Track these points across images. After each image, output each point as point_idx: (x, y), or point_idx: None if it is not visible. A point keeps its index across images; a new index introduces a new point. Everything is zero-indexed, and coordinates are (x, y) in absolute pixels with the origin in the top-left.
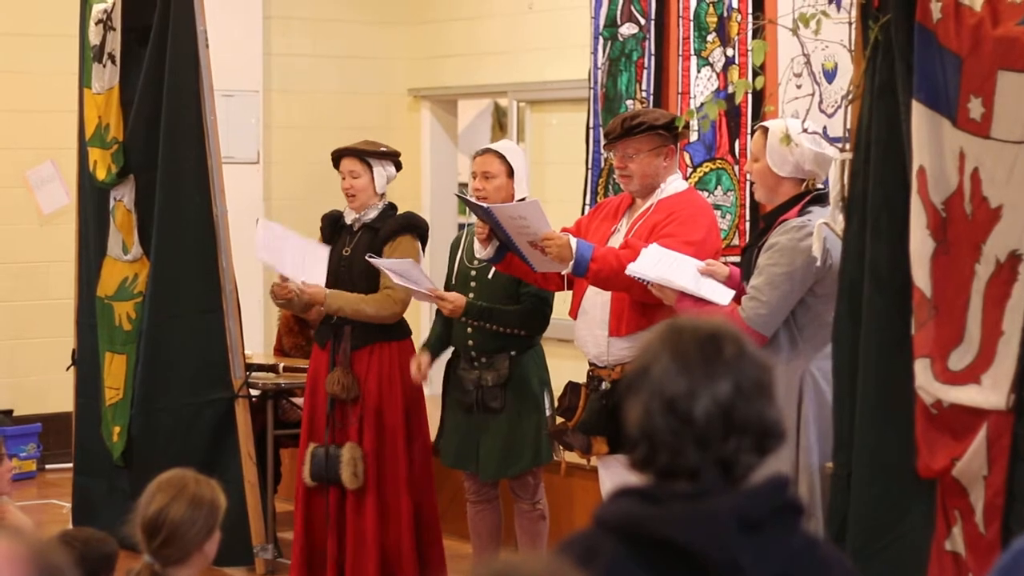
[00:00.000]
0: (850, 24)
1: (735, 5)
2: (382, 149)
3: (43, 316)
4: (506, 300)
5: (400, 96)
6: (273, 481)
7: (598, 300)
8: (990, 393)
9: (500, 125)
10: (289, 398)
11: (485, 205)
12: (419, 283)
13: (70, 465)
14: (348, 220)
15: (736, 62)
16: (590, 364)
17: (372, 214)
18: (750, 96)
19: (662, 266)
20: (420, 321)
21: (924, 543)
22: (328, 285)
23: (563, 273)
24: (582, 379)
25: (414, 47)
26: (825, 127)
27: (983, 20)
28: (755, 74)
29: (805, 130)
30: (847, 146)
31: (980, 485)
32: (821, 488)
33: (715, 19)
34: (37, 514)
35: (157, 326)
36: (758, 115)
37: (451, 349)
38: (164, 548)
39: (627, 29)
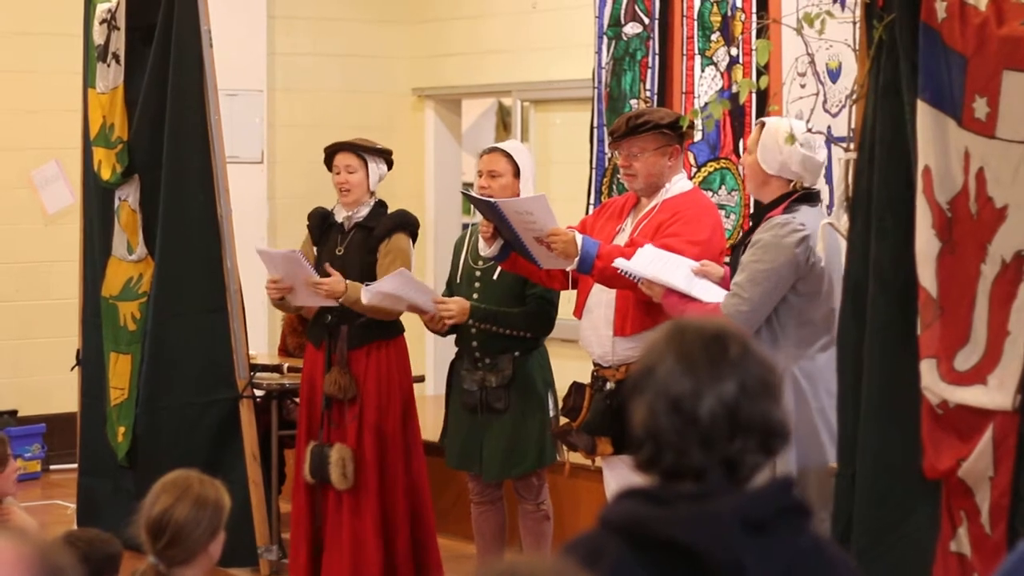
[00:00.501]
0: (854, 23)
1: (739, 4)
2: (377, 146)
3: (47, 316)
4: (511, 300)
5: (404, 95)
6: (277, 481)
7: (603, 300)
8: (996, 393)
9: (504, 124)
10: (293, 398)
11: (491, 199)
12: (418, 292)
13: (74, 466)
14: (339, 218)
15: (740, 61)
16: (594, 364)
17: (364, 212)
18: (754, 96)
19: (656, 266)
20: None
21: (929, 544)
22: None
23: (568, 270)
24: (586, 379)
25: (418, 46)
26: (829, 127)
27: (988, 20)
28: (759, 74)
29: (809, 130)
30: (851, 146)
31: (986, 486)
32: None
33: (719, 18)
34: (41, 515)
35: (162, 326)
36: (762, 115)
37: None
38: (169, 549)
39: (631, 28)
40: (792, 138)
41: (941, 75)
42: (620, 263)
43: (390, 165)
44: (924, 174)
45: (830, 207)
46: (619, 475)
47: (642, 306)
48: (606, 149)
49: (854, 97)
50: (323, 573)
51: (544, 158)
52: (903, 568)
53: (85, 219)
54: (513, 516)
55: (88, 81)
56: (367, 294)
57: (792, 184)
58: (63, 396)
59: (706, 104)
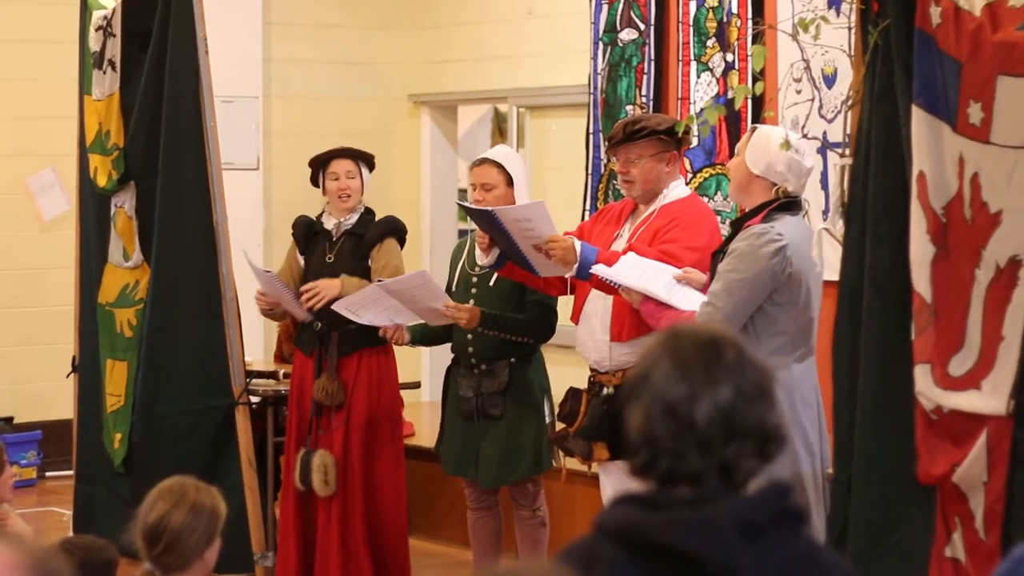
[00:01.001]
0: (850, 29)
1: (735, 10)
2: (365, 153)
3: (44, 323)
4: (507, 307)
5: (400, 101)
6: (273, 488)
7: (599, 305)
8: (990, 399)
9: (500, 130)
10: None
11: (489, 208)
12: (432, 294)
13: (70, 472)
14: (328, 226)
15: (736, 67)
16: (591, 370)
17: (353, 218)
18: (750, 101)
19: (637, 273)
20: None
21: (924, 549)
22: None
23: (567, 277)
24: (583, 385)
25: (414, 52)
26: (825, 132)
27: (982, 25)
28: (755, 79)
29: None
30: (847, 151)
31: (980, 491)
32: None
33: (715, 24)
34: (37, 521)
35: (158, 332)
36: (758, 120)
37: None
38: (165, 555)
39: (627, 34)
40: (787, 144)
41: (936, 80)
42: (600, 269)
43: (372, 168)
44: (919, 179)
45: (826, 212)
46: (615, 480)
47: (638, 313)
48: (602, 155)
49: (849, 103)
50: None
51: (540, 164)
52: (898, 573)
53: (81, 226)
54: (509, 522)
55: (84, 88)
56: (379, 289)
57: (776, 190)
58: (59, 403)
59: (702, 110)
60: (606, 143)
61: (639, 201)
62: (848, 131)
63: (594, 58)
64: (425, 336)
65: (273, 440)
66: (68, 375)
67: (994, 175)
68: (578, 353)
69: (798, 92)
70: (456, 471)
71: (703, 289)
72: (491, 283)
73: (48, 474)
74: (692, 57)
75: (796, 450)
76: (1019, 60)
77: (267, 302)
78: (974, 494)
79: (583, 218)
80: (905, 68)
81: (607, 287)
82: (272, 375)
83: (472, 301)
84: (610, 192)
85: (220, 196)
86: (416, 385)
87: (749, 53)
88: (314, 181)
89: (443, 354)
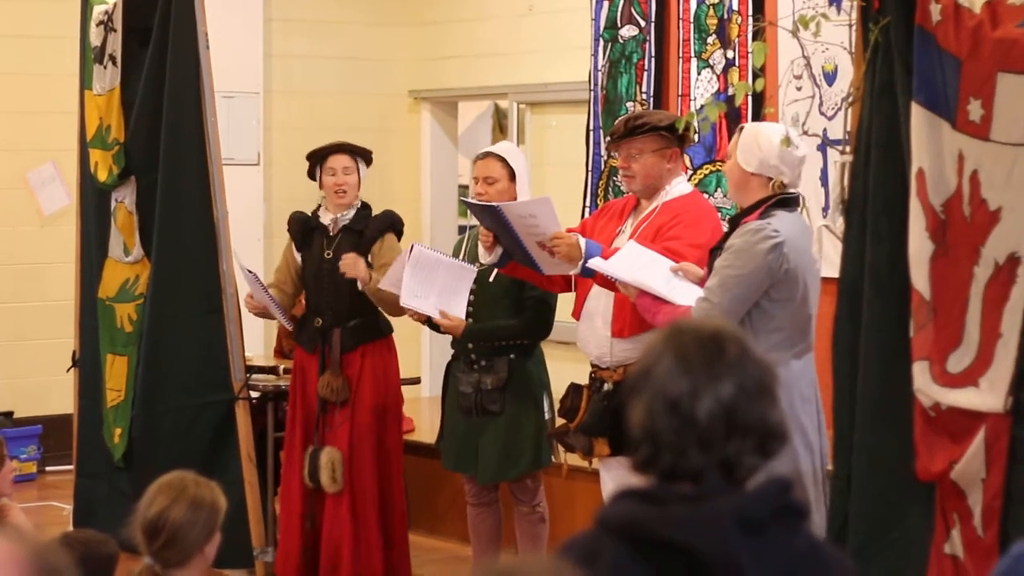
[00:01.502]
0: (850, 26)
1: (735, 7)
2: (362, 148)
3: (44, 317)
4: (508, 303)
5: (400, 97)
6: (273, 483)
7: (601, 302)
8: (988, 396)
9: (500, 127)
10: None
11: (495, 204)
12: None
13: (71, 467)
14: (325, 221)
15: (736, 64)
16: (592, 365)
17: (350, 214)
18: (750, 98)
19: (635, 265)
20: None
21: (923, 546)
22: (312, 289)
23: (572, 274)
24: (583, 381)
25: (414, 48)
26: (825, 129)
27: (983, 22)
28: (755, 76)
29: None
30: (847, 148)
31: (978, 488)
32: None
33: (715, 21)
34: (37, 516)
35: (158, 328)
36: (758, 117)
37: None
38: (165, 550)
39: (627, 31)
40: (788, 140)
41: (936, 77)
42: (597, 263)
43: (369, 164)
44: (918, 176)
45: (826, 209)
46: (616, 476)
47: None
48: (602, 152)
49: (850, 100)
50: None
51: (540, 160)
52: (897, 570)
53: (82, 220)
54: (509, 518)
55: (85, 83)
56: (415, 253)
57: (772, 184)
58: (59, 397)
59: (702, 107)
60: (607, 139)
61: (640, 196)
62: (848, 128)
63: (595, 54)
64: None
65: (273, 435)
66: (68, 370)
67: (993, 172)
68: (578, 349)
69: (798, 89)
70: (456, 467)
71: (700, 283)
72: (491, 279)
73: (48, 469)
74: (693, 54)
75: (795, 447)
76: (1019, 57)
77: (254, 306)
78: (972, 491)
79: (583, 214)
80: (905, 65)
81: (611, 284)
82: (272, 370)
83: (472, 297)
84: (610, 188)
85: (221, 191)
86: (416, 381)
87: (750, 50)
88: (311, 175)
89: (443, 349)
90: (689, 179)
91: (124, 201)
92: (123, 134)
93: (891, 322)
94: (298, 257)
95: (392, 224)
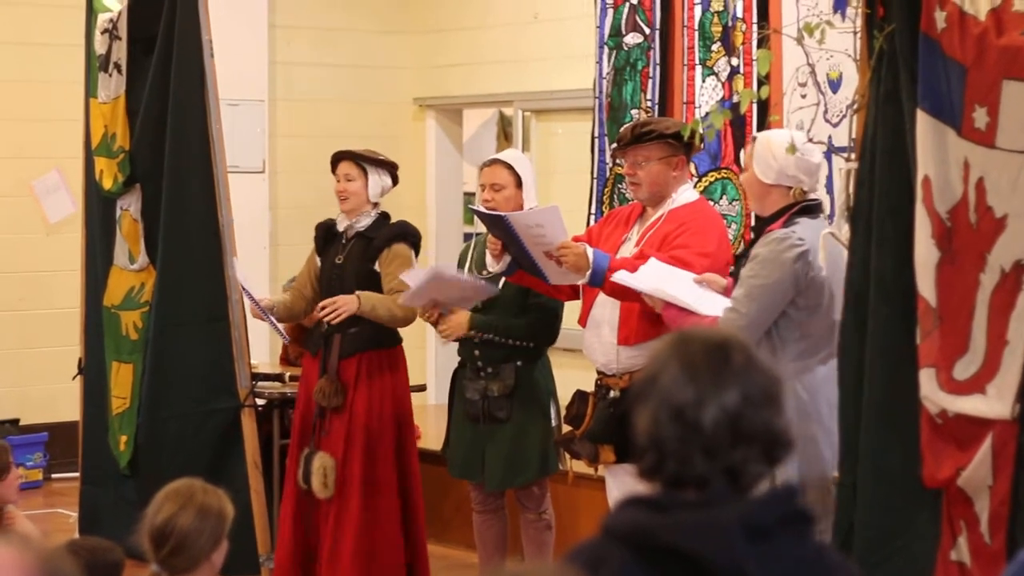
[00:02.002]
0: (855, 34)
1: (740, 15)
2: (380, 158)
3: (49, 325)
4: (515, 310)
5: (405, 105)
6: (279, 490)
7: (607, 309)
8: (995, 403)
9: (505, 134)
10: (295, 408)
11: (502, 214)
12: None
13: (76, 474)
14: (340, 227)
15: (741, 72)
16: (598, 372)
17: (365, 222)
18: (755, 106)
19: (660, 280)
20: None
21: (929, 553)
22: (323, 294)
23: (579, 283)
24: (589, 388)
25: (419, 56)
26: (830, 136)
27: (987, 30)
28: (760, 84)
29: (811, 139)
30: (852, 155)
31: (985, 495)
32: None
33: (720, 29)
34: (43, 523)
35: (163, 335)
36: (763, 125)
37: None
38: (172, 557)
39: (632, 39)
40: (793, 148)
41: (941, 85)
42: (623, 277)
43: (395, 180)
44: (924, 184)
45: (831, 217)
46: (622, 483)
47: (646, 316)
48: (607, 159)
49: (855, 107)
50: None
51: (545, 168)
52: None
53: (87, 228)
54: (515, 525)
55: (90, 91)
56: (408, 277)
57: (792, 193)
58: (65, 405)
59: (707, 114)
60: (613, 146)
61: (646, 204)
62: (853, 135)
63: (599, 62)
64: None
65: (278, 442)
66: (74, 377)
67: (999, 180)
68: (584, 356)
69: (803, 96)
70: (462, 474)
71: (724, 293)
72: (498, 286)
73: (54, 476)
74: (697, 61)
75: (821, 452)
76: None
77: (255, 311)
78: (979, 498)
79: (588, 222)
80: (910, 72)
81: (619, 293)
82: (278, 377)
83: (480, 304)
84: (615, 196)
85: (226, 199)
86: (422, 388)
87: (754, 57)
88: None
89: (449, 357)
90: (694, 186)
91: (129, 209)
92: (128, 142)
93: (896, 329)
94: (318, 262)
95: (403, 235)
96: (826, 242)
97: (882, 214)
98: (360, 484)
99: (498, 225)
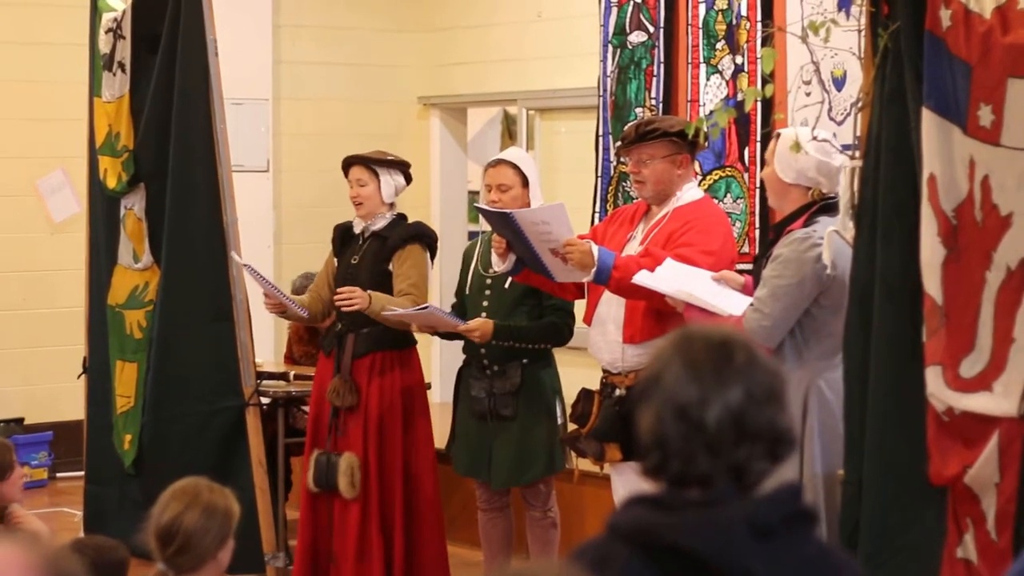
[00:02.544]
0: (859, 32)
1: (744, 13)
2: (390, 158)
3: (54, 324)
4: (522, 308)
5: (410, 104)
6: (284, 489)
7: (612, 308)
8: (1001, 400)
9: (509, 133)
10: (299, 406)
11: (507, 211)
12: (442, 323)
13: (81, 473)
14: (356, 229)
15: (745, 70)
16: (603, 371)
17: (380, 223)
18: (759, 104)
19: (679, 279)
20: None
21: (936, 550)
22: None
23: (584, 281)
24: (594, 386)
25: (424, 55)
26: (835, 135)
27: (993, 28)
28: (764, 82)
29: (815, 138)
30: (857, 154)
31: (992, 492)
32: (826, 497)
33: (724, 27)
34: (48, 522)
35: (168, 334)
36: (768, 123)
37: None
38: (178, 556)
39: (636, 37)
40: (797, 146)
41: (946, 83)
42: (644, 279)
43: (408, 178)
44: (929, 182)
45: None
46: (628, 481)
47: (651, 314)
48: (611, 157)
49: (859, 105)
50: None
51: (549, 166)
52: (909, 574)
53: (91, 228)
54: (520, 523)
55: (94, 90)
56: (388, 313)
57: (811, 192)
58: (70, 404)
59: (712, 112)
60: (618, 144)
61: (651, 202)
62: (858, 134)
63: (603, 60)
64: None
65: (283, 441)
66: (78, 376)
67: (1004, 177)
68: (589, 354)
69: (808, 95)
70: (468, 472)
71: (741, 290)
72: (505, 285)
73: (59, 475)
74: (701, 60)
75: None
76: None
77: (272, 304)
78: (986, 495)
79: (593, 220)
80: (915, 71)
81: (625, 291)
82: (282, 376)
83: (486, 303)
84: (620, 194)
85: (230, 198)
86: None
87: (759, 55)
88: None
89: (454, 356)
90: (698, 185)
91: (133, 208)
92: (132, 141)
93: (902, 327)
94: (336, 263)
95: (418, 235)
96: (832, 240)
97: (887, 212)
98: (376, 484)
99: (503, 223)
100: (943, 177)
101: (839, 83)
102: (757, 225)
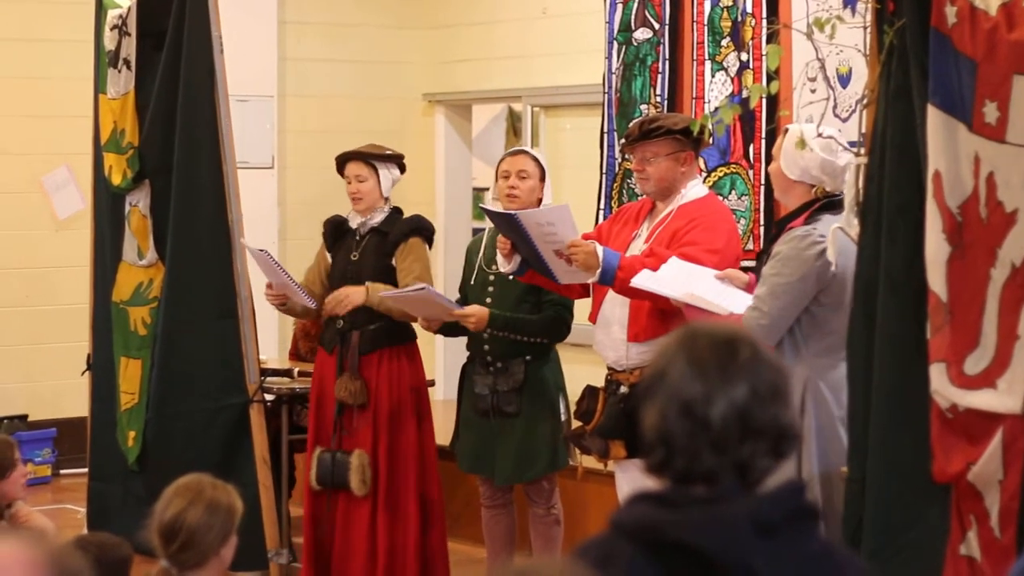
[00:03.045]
0: (865, 28)
1: (749, 10)
2: (387, 152)
3: (58, 321)
4: (524, 305)
5: (415, 100)
6: (287, 486)
7: (617, 307)
8: (1006, 397)
9: (514, 130)
10: (304, 403)
11: (512, 212)
12: (438, 306)
13: (85, 470)
14: (354, 224)
15: (751, 67)
16: (608, 368)
17: (378, 217)
18: (764, 101)
19: (681, 279)
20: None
21: (939, 548)
22: (335, 289)
23: (589, 282)
24: (598, 384)
25: (429, 51)
26: (840, 131)
27: (998, 24)
28: (770, 79)
29: (820, 135)
30: (862, 150)
31: (995, 489)
32: (823, 496)
33: (729, 24)
34: (52, 519)
35: (172, 331)
36: (773, 120)
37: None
38: (181, 553)
39: (641, 34)
40: (803, 143)
41: (951, 80)
42: (645, 283)
43: (402, 169)
44: (934, 178)
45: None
46: (632, 479)
47: (656, 313)
48: (616, 154)
49: (864, 102)
50: None
51: (554, 163)
52: (913, 572)
53: (96, 224)
54: (523, 520)
55: (99, 86)
56: (385, 294)
57: (814, 190)
58: (73, 401)
59: (717, 109)
60: (622, 141)
61: (655, 199)
62: (863, 130)
63: (608, 57)
64: (449, 327)
65: (287, 437)
66: (82, 373)
67: (1009, 174)
68: (593, 352)
69: (813, 91)
70: (472, 469)
71: (746, 288)
72: (508, 280)
73: (63, 472)
74: (707, 56)
75: (845, 447)
76: None
77: (275, 295)
78: (989, 492)
79: (598, 217)
80: (920, 67)
81: (630, 292)
82: (287, 373)
83: (489, 299)
84: (624, 191)
85: (235, 195)
86: (430, 383)
87: (764, 52)
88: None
89: (457, 352)
90: (703, 181)
91: (138, 205)
92: (137, 138)
93: (906, 324)
94: (329, 258)
95: (418, 228)
96: (836, 237)
97: (892, 209)
98: (386, 481)
99: (508, 224)
100: (948, 174)
101: (844, 80)
102: (761, 222)
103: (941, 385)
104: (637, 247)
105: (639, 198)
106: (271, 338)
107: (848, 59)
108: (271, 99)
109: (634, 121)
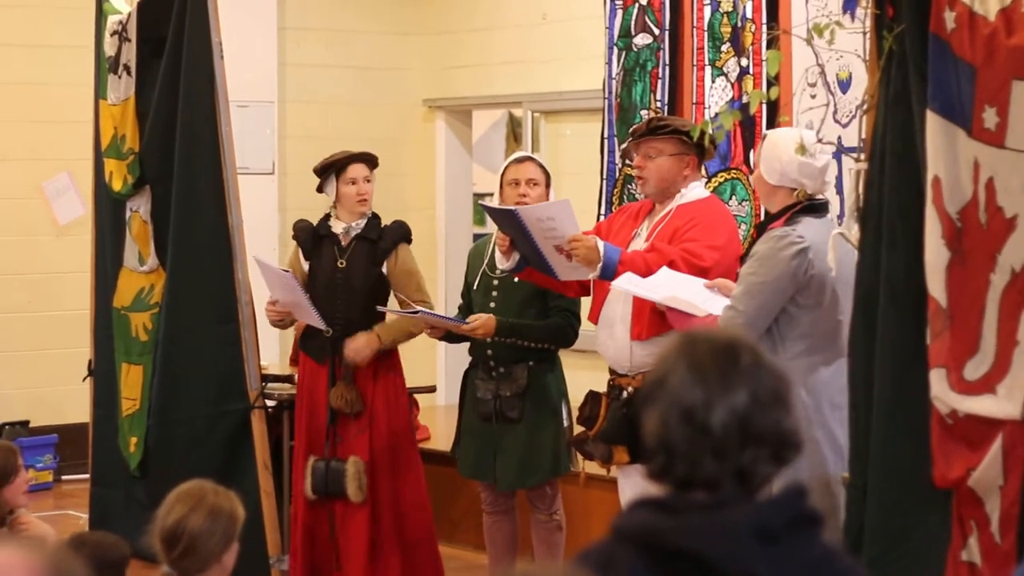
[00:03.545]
0: (864, 34)
1: (749, 15)
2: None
3: (59, 327)
4: (529, 309)
5: (415, 106)
6: (289, 492)
7: (619, 306)
8: (1005, 403)
9: (514, 135)
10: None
11: (512, 208)
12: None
13: (87, 476)
14: (336, 230)
15: (751, 72)
16: (611, 372)
17: (360, 223)
18: (765, 106)
19: (668, 285)
20: None
21: (940, 553)
22: (324, 298)
23: (590, 277)
24: (600, 389)
25: (429, 57)
26: (840, 137)
27: (997, 30)
28: (770, 84)
29: (820, 140)
30: (862, 156)
31: (996, 495)
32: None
33: (729, 29)
34: (53, 525)
35: (173, 337)
36: (773, 125)
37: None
38: (183, 559)
39: (641, 39)
40: (803, 148)
41: (950, 85)
42: (626, 286)
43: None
44: (934, 184)
45: (840, 217)
46: (634, 484)
47: (659, 311)
48: (616, 160)
49: (864, 107)
50: None
51: (554, 169)
52: None
53: (96, 230)
54: (525, 526)
55: (99, 92)
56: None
57: (796, 193)
58: (75, 406)
59: (717, 115)
60: (629, 137)
61: (653, 200)
62: (863, 136)
63: (608, 63)
64: (453, 334)
65: (289, 444)
66: (84, 379)
67: (1009, 180)
68: (596, 357)
69: (813, 97)
70: (474, 474)
71: None
72: (513, 283)
73: (64, 478)
74: (707, 62)
75: (823, 453)
76: None
77: (278, 312)
78: (990, 498)
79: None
80: (920, 73)
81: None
82: (288, 379)
83: (493, 304)
84: (624, 197)
85: (235, 200)
86: (431, 389)
87: (764, 58)
88: (321, 188)
89: (458, 358)
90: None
91: (139, 210)
92: (138, 144)
93: (906, 329)
94: (305, 265)
95: (405, 235)
96: (836, 243)
97: (892, 215)
98: (388, 488)
99: (508, 220)
100: (948, 179)
101: (844, 85)
102: (756, 225)
103: (941, 391)
104: (637, 246)
105: (640, 200)
106: (272, 344)
107: (848, 64)
108: (271, 105)
109: (642, 120)
